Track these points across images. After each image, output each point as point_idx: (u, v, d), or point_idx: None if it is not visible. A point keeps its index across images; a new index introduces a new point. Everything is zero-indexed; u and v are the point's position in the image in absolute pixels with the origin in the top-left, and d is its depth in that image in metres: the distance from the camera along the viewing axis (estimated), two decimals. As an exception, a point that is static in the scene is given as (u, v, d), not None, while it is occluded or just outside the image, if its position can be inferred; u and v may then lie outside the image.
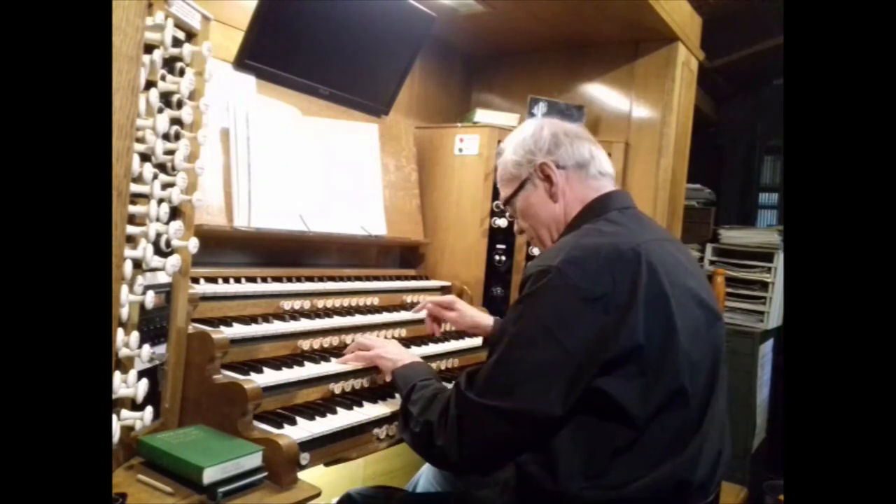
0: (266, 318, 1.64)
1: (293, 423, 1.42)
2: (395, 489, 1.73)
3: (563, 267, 1.19)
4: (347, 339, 1.76)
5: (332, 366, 1.63)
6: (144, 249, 1.15)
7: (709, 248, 3.96)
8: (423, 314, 2.02)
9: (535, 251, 2.43)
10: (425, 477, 1.81)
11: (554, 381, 1.17)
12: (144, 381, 1.16)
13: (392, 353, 1.62)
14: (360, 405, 1.59)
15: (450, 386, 1.38)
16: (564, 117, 2.61)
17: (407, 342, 1.89)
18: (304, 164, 1.95)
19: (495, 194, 2.38)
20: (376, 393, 1.67)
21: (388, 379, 1.61)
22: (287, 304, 1.74)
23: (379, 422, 1.57)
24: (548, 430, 1.20)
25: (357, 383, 1.66)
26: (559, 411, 1.16)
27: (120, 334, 1.11)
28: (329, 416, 1.49)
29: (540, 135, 1.49)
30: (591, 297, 1.17)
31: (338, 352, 1.71)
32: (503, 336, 1.25)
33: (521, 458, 1.26)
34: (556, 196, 1.47)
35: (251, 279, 1.73)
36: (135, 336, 1.16)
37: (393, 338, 1.87)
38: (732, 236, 3.93)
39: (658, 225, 1.44)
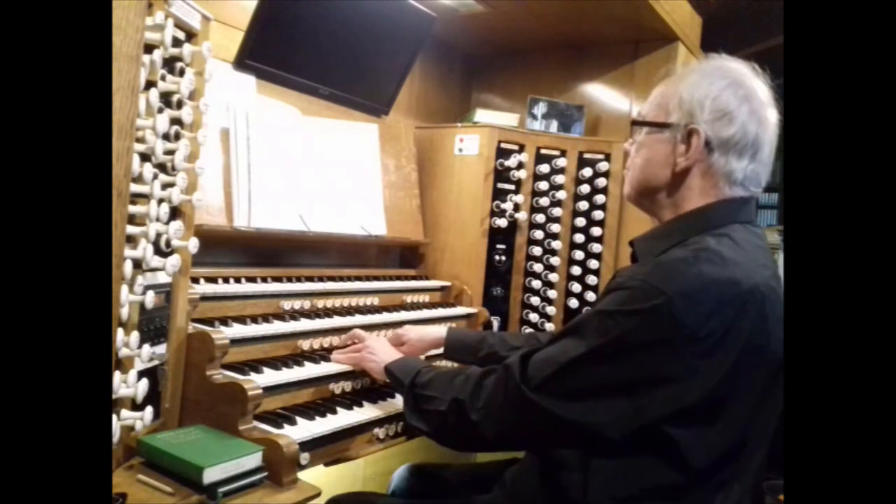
0: (266, 318, 1.64)
1: (293, 423, 1.42)
2: (376, 494, 1.72)
3: (676, 300, 1.05)
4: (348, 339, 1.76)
5: (332, 366, 1.63)
6: (144, 249, 1.15)
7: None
8: (424, 314, 2.02)
9: (536, 250, 2.43)
10: (399, 475, 1.79)
11: (620, 405, 1.08)
12: (144, 381, 1.16)
13: (379, 353, 1.59)
14: (360, 405, 1.59)
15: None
16: (564, 117, 2.63)
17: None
18: (304, 164, 1.95)
19: (495, 194, 2.39)
20: (376, 393, 1.67)
21: (378, 377, 1.59)
22: (287, 304, 1.74)
23: (379, 422, 1.57)
24: (594, 445, 1.15)
25: (357, 383, 1.66)
26: (614, 436, 1.09)
27: (120, 334, 1.11)
28: (329, 416, 1.50)
29: (729, 96, 1.20)
30: (695, 338, 1.05)
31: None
32: (577, 336, 1.14)
33: (553, 466, 1.24)
34: (678, 168, 1.23)
35: (251, 279, 1.73)
36: (135, 336, 1.15)
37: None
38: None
39: (767, 245, 1.26)
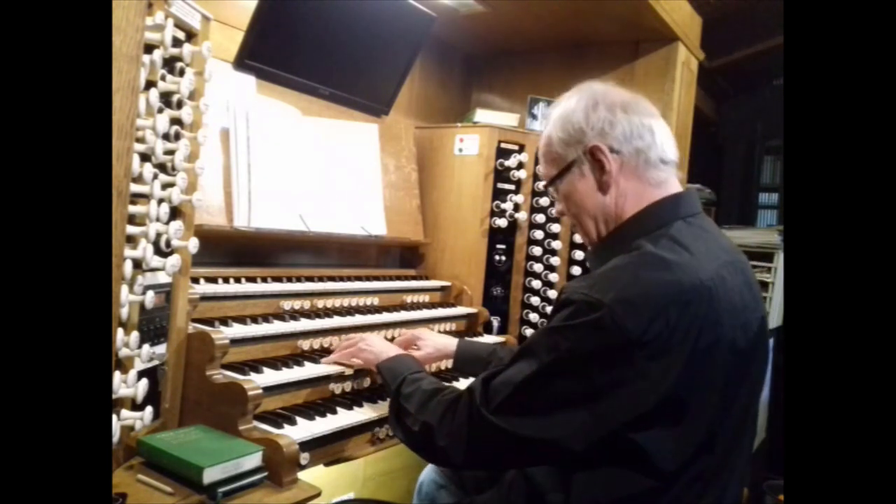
0: (266, 318, 1.64)
1: (293, 423, 1.42)
2: (377, 502, 1.73)
3: (615, 307, 1.06)
4: (347, 339, 1.76)
5: (332, 366, 1.63)
6: (144, 249, 1.15)
7: (709, 248, 3.95)
8: (424, 314, 2.02)
9: (536, 250, 2.43)
10: (428, 472, 1.80)
11: (579, 416, 1.09)
12: (144, 381, 1.17)
13: (375, 345, 1.59)
14: (360, 405, 1.59)
15: (451, 384, 1.36)
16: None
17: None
18: (304, 164, 1.95)
19: (495, 194, 2.39)
20: (376, 393, 1.67)
21: (374, 370, 1.58)
22: (287, 304, 1.74)
23: (379, 422, 1.57)
24: (561, 459, 1.16)
25: (357, 383, 1.66)
26: (578, 448, 1.10)
27: (120, 334, 1.11)
28: (329, 416, 1.50)
29: (593, 109, 1.27)
30: (641, 343, 1.05)
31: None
32: (530, 356, 1.15)
33: (533, 476, 1.25)
34: (607, 185, 1.27)
35: (251, 279, 1.73)
36: (135, 336, 1.16)
37: (393, 338, 1.87)
38: (732, 236, 3.90)
39: (723, 237, 1.28)
